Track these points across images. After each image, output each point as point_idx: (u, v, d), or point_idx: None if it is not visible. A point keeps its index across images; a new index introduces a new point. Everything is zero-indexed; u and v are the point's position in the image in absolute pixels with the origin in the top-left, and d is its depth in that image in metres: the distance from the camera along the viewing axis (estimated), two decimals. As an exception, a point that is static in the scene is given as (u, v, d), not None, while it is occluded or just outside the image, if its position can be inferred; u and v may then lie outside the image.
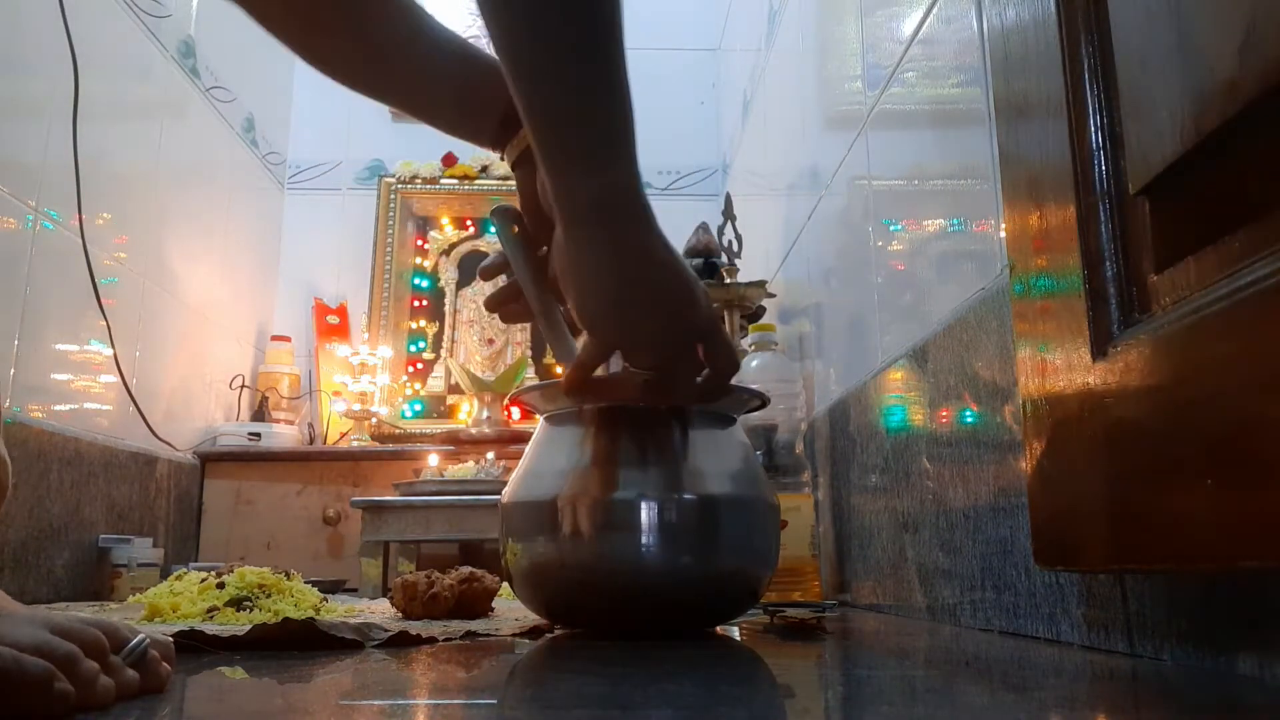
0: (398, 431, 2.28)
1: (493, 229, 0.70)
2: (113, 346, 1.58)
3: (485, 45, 0.66)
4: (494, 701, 0.46)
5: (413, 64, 0.69)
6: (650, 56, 2.69)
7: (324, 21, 0.68)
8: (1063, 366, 0.55)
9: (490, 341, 2.44)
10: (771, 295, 1.47)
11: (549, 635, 0.77)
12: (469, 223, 2.53)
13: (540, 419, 0.82)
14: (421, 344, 2.44)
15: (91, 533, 1.55)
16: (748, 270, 1.58)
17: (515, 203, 0.74)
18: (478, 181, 2.50)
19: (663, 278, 0.61)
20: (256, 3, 0.68)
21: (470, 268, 2.49)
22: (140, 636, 0.43)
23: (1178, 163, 0.45)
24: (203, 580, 0.89)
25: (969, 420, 0.82)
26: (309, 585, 0.92)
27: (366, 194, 2.51)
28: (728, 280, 1.45)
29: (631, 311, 0.62)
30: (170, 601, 0.85)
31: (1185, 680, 0.49)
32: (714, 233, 1.65)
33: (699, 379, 0.65)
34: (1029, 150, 0.60)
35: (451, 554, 1.93)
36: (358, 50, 0.69)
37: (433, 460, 1.96)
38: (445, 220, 2.52)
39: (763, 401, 0.83)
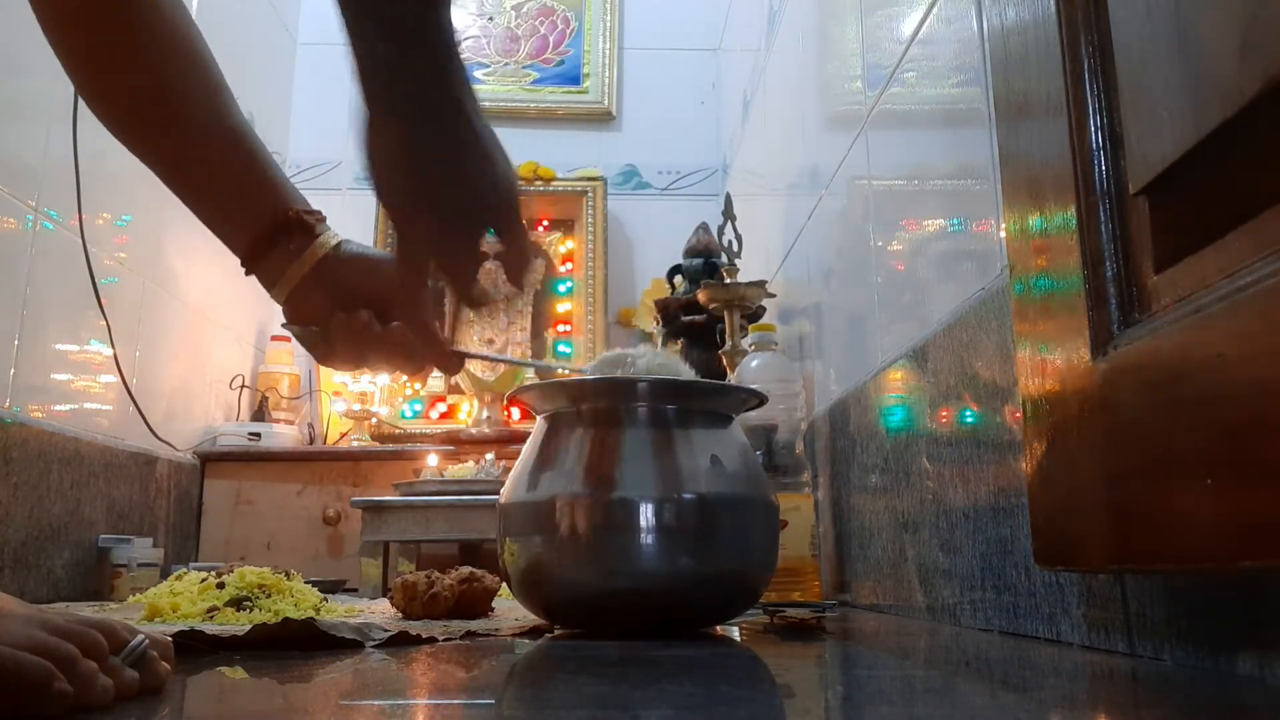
0: (398, 431, 2.28)
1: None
2: (113, 346, 1.58)
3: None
4: (493, 701, 0.46)
5: (205, 140, 0.68)
6: (650, 56, 2.69)
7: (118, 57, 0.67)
8: (1063, 366, 0.55)
9: (490, 342, 2.44)
10: (771, 295, 1.47)
11: (549, 635, 0.77)
12: (469, 223, 2.52)
13: (539, 418, 0.82)
14: (421, 344, 2.43)
15: (91, 533, 1.55)
16: (748, 270, 1.58)
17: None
18: (478, 181, 2.50)
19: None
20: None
21: (470, 268, 2.49)
22: (139, 637, 0.43)
23: (1178, 163, 0.45)
24: (203, 580, 0.89)
25: (969, 420, 0.82)
26: (309, 585, 0.92)
27: (366, 194, 2.50)
28: (728, 280, 1.45)
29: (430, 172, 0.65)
30: (170, 601, 0.85)
31: (1185, 680, 0.49)
32: (714, 233, 1.65)
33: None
34: (1029, 150, 0.60)
35: (451, 554, 1.93)
36: (149, 97, 0.67)
37: (432, 460, 1.96)
38: (445, 220, 2.52)
39: (761, 401, 0.83)
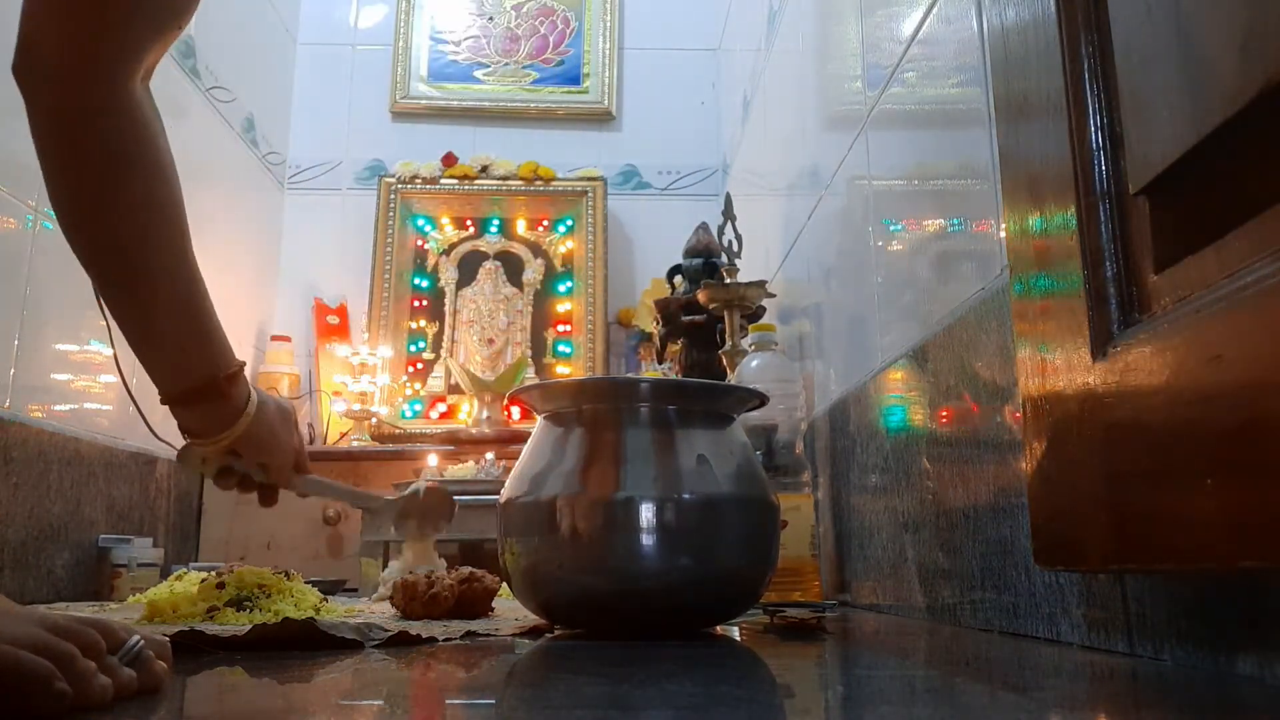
0: (398, 431, 2.28)
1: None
2: (113, 346, 1.57)
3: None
4: (493, 701, 0.46)
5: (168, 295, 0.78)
6: (650, 56, 2.69)
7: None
8: (1063, 366, 0.55)
9: (490, 341, 2.44)
10: (771, 295, 1.47)
11: (549, 635, 0.77)
12: (469, 223, 2.53)
13: (539, 418, 0.82)
14: (421, 344, 2.44)
15: (91, 533, 1.55)
16: (748, 270, 1.58)
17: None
18: (478, 181, 2.50)
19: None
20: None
21: (470, 268, 2.50)
22: (135, 637, 0.43)
23: (1178, 163, 0.45)
24: (203, 580, 0.89)
25: (969, 420, 0.82)
26: (309, 585, 0.92)
27: (366, 194, 2.51)
28: (728, 280, 1.45)
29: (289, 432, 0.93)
30: (170, 601, 0.85)
31: (1185, 680, 0.49)
32: (714, 233, 1.65)
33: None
34: (1029, 150, 0.60)
35: (451, 554, 1.93)
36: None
37: (432, 460, 1.96)
38: (445, 220, 2.52)
39: (761, 401, 0.83)
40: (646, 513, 0.72)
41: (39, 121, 0.68)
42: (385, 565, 1.78)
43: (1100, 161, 0.52)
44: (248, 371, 2.32)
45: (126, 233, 0.71)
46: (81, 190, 0.70)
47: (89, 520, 1.55)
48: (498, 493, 0.82)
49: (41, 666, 0.36)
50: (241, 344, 2.27)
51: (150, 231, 0.72)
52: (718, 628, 0.83)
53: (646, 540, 0.72)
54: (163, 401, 0.82)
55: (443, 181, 2.50)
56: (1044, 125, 0.57)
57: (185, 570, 0.96)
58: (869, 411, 1.14)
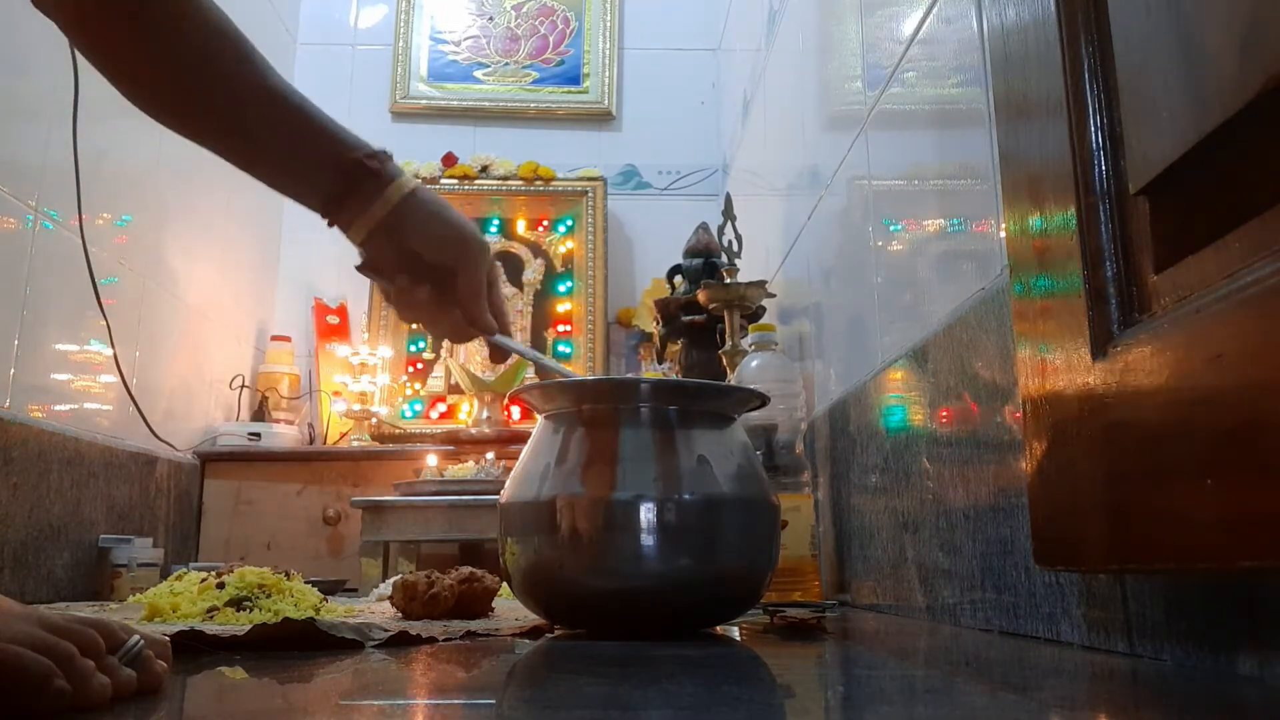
0: (398, 431, 2.28)
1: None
2: (113, 346, 1.58)
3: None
4: (493, 701, 0.46)
5: (253, 106, 0.68)
6: (650, 56, 2.69)
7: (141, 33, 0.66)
8: (1063, 366, 0.55)
9: (490, 341, 2.44)
10: (771, 295, 1.47)
11: (549, 635, 0.77)
12: (469, 223, 2.53)
13: (540, 418, 0.82)
14: (421, 344, 2.44)
15: (91, 533, 1.55)
16: (748, 270, 1.58)
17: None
18: (478, 181, 2.50)
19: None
20: None
21: (470, 268, 2.49)
22: (135, 636, 0.43)
23: (1178, 163, 0.45)
24: (203, 580, 0.89)
25: (969, 420, 0.82)
26: (309, 585, 0.92)
27: (367, 194, 2.51)
28: (728, 280, 1.45)
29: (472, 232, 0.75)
30: (170, 601, 0.85)
31: (1185, 680, 0.49)
32: (714, 233, 1.65)
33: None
34: (1029, 150, 0.60)
35: (451, 554, 1.93)
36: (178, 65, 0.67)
37: (432, 460, 1.96)
38: (445, 220, 2.52)
39: (761, 401, 0.83)
40: (647, 513, 0.72)
41: (82, 26, 0.65)
42: (385, 566, 1.78)
43: (1100, 161, 0.52)
44: (247, 371, 2.32)
45: (198, 84, 0.66)
46: (145, 72, 0.65)
47: (89, 520, 1.55)
48: (498, 493, 0.82)
49: (41, 665, 0.36)
50: (242, 344, 2.27)
51: (219, 70, 0.67)
52: (718, 628, 0.83)
53: (647, 540, 0.72)
54: (324, 216, 0.70)
55: (443, 181, 2.49)
56: (1044, 125, 0.57)
57: (185, 570, 0.96)
58: (869, 411, 1.14)
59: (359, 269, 0.74)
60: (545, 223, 2.53)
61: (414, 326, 2.44)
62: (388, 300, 0.74)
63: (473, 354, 2.43)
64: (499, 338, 0.75)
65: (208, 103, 0.67)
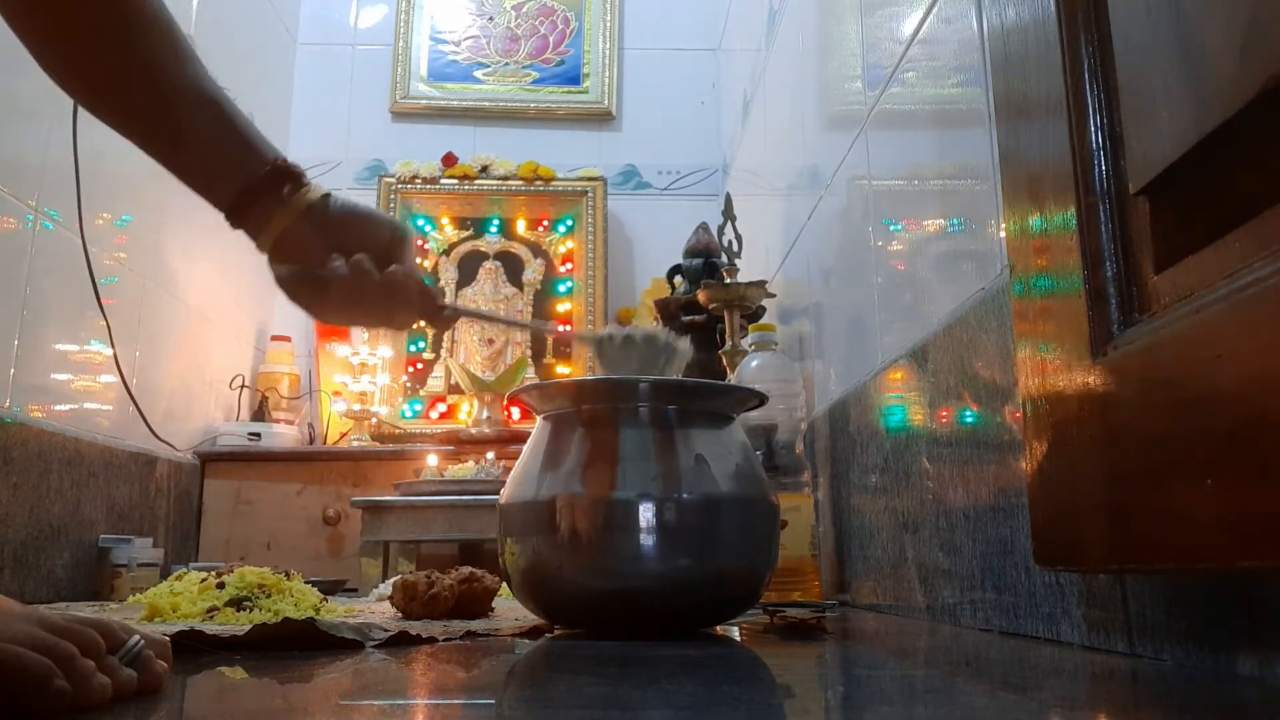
0: (398, 431, 2.28)
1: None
2: (113, 346, 1.58)
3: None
4: (493, 701, 0.46)
5: (174, 99, 0.68)
6: (650, 56, 2.69)
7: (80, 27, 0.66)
8: (1063, 366, 0.55)
9: (490, 341, 2.44)
10: (771, 295, 1.47)
11: (548, 635, 0.77)
12: (469, 223, 2.53)
13: (539, 418, 0.82)
14: (421, 344, 2.44)
15: (91, 533, 1.55)
16: (748, 270, 1.58)
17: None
18: (478, 181, 2.50)
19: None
20: None
21: (470, 268, 2.50)
22: (135, 636, 0.43)
23: (1178, 163, 0.45)
24: (203, 580, 0.89)
25: (969, 420, 0.82)
26: (309, 585, 0.92)
27: (366, 194, 2.51)
28: (728, 280, 1.45)
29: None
30: (170, 601, 0.85)
31: (1185, 680, 0.49)
32: (714, 233, 1.65)
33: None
34: (1029, 150, 0.60)
35: (451, 554, 1.93)
36: (119, 65, 0.66)
37: (432, 460, 1.96)
38: (445, 220, 2.52)
39: (761, 401, 0.83)
40: (646, 513, 0.72)
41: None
42: (385, 566, 1.78)
43: (1100, 161, 0.52)
44: (247, 371, 2.32)
45: (110, 53, 0.65)
46: (55, 32, 0.64)
47: (89, 520, 1.55)
48: (498, 493, 0.82)
49: (41, 665, 0.36)
50: (242, 344, 2.27)
51: (136, 44, 0.66)
52: (718, 628, 0.83)
53: (646, 540, 0.72)
54: (228, 217, 0.69)
55: (443, 181, 2.50)
56: (1044, 125, 0.57)
57: (185, 570, 0.96)
58: (869, 411, 1.14)
59: (281, 280, 0.70)
60: (545, 223, 2.53)
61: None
62: (309, 301, 0.70)
63: (472, 354, 2.43)
64: (459, 305, 0.71)
65: (140, 98, 0.67)
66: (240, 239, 0.73)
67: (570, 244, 2.50)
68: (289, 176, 0.69)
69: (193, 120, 0.68)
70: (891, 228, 1.08)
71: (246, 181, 0.68)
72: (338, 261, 0.67)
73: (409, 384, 2.39)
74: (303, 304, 0.69)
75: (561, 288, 2.48)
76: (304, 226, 0.68)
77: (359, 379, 2.23)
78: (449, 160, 2.52)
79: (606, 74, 2.64)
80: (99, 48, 0.65)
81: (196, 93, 0.68)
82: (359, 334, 2.40)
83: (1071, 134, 0.54)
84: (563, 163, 2.54)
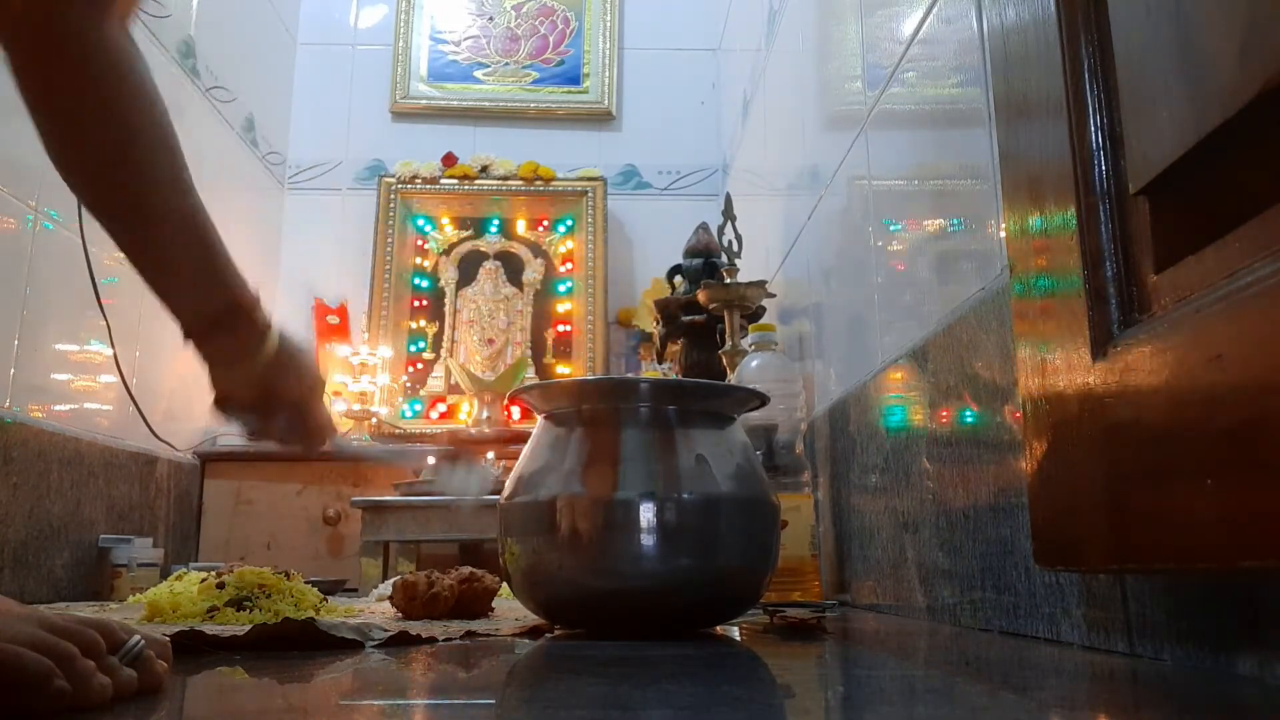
0: (398, 431, 2.28)
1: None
2: (113, 346, 1.57)
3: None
4: (493, 701, 0.46)
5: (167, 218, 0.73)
6: (650, 56, 2.69)
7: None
8: (1063, 366, 0.55)
9: (490, 341, 2.44)
10: (771, 295, 1.47)
11: (549, 635, 0.77)
12: (469, 223, 2.53)
13: (540, 418, 0.82)
14: (421, 344, 2.44)
15: (91, 533, 1.55)
16: (748, 270, 1.58)
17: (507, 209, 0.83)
18: (478, 181, 2.50)
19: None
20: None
21: (470, 268, 2.50)
22: (135, 637, 0.43)
23: (1178, 163, 0.45)
24: (203, 580, 0.89)
25: (969, 420, 0.82)
26: (309, 585, 0.92)
27: (366, 194, 2.51)
28: (728, 280, 1.45)
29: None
30: (170, 601, 0.85)
31: (1185, 680, 0.49)
32: (714, 233, 1.65)
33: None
34: (1029, 150, 0.60)
35: (451, 554, 1.93)
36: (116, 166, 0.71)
37: (432, 460, 1.96)
38: (445, 220, 2.53)
39: (761, 401, 0.83)
40: (646, 513, 0.72)
41: (15, 67, 0.68)
42: (385, 566, 1.78)
43: (1100, 161, 0.52)
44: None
45: (114, 166, 0.71)
46: (64, 129, 0.71)
47: (89, 520, 1.55)
48: (498, 493, 0.82)
49: (42, 665, 0.36)
50: (241, 344, 2.26)
51: (146, 163, 0.71)
52: (718, 628, 0.83)
53: (646, 540, 0.72)
54: (186, 336, 0.77)
55: (443, 181, 2.50)
56: (1044, 125, 0.57)
57: (185, 570, 0.96)
58: (869, 411, 1.14)
59: (218, 405, 0.80)
60: (545, 223, 2.53)
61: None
62: (235, 421, 0.82)
63: (472, 354, 2.43)
64: (339, 442, 0.88)
65: (133, 207, 0.72)
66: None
67: (570, 244, 2.50)
68: (249, 320, 0.77)
69: (175, 247, 0.74)
70: (891, 228, 1.08)
71: (212, 312, 0.75)
72: (259, 420, 0.81)
73: (409, 384, 2.39)
74: (234, 426, 0.83)
75: (561, 288, 2.48)
76: (253, 378, 0.79)
77: (359, 379, 2.23)
78: (449, 160, 2.52)
79: (606, 74, 2.64)
80: (103, 161, 0.70)
81: (183, 212, 0.73)
82: (359, 334, 2.40)
83: (1071, 134, 0.54)
84: (563, 163, 2.54)
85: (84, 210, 0.73)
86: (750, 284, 1.42)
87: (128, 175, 0.71)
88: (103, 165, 0.71)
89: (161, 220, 0.72)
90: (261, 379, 0.79)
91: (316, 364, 0.85)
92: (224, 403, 0.81)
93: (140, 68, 0.71)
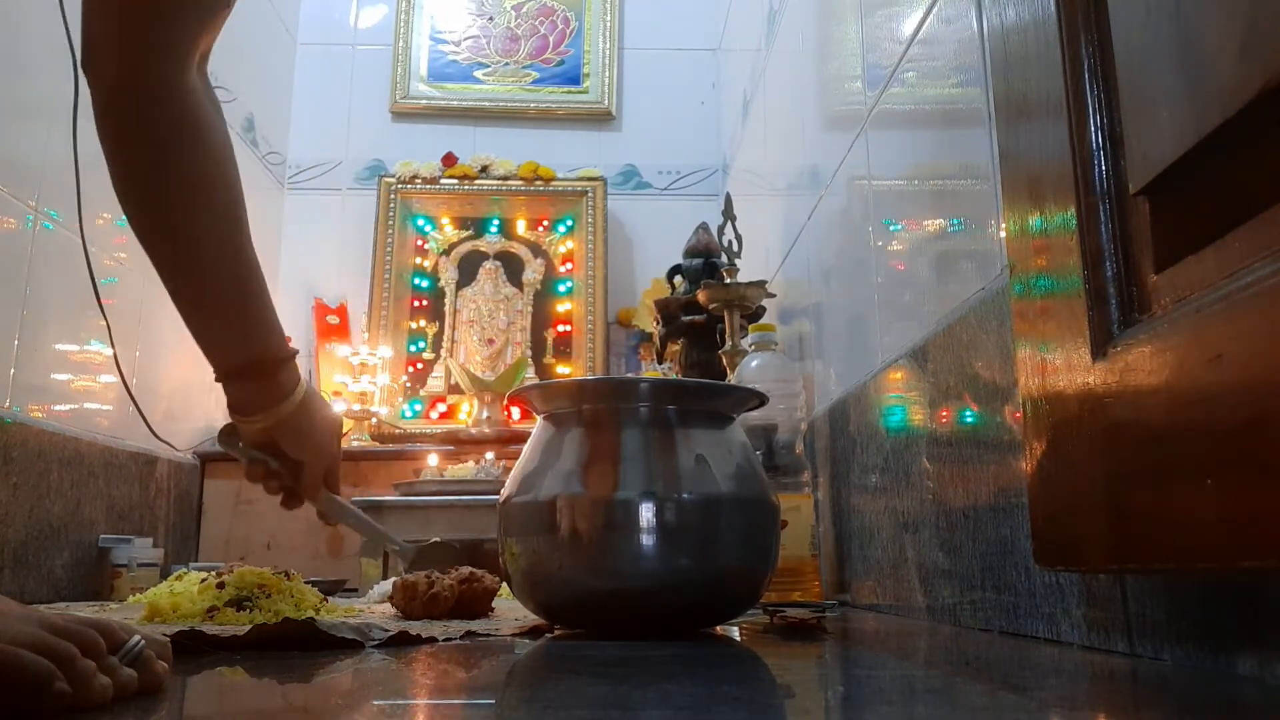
0: (398, 431, 2.28)
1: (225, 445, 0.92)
2: (113, 346, 1.57)
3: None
4: (493, 701, 0.46)
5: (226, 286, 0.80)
6: (650, 56, 2.69)
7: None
8: (1063, 366, 0.55)
9: (490, 341, 2.44)
10: (771, 295, 1.47)
11: (549, 635, 0.77)
12: (469, 223, 2.53)
13: (539, 418, 0.82)
14: (421, 344, 2.44)
15: (91, 533, 1.55)
16: (748, 270, 1.58)
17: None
18: (478, 181, 2.50)
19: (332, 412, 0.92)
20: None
21: (470, 268, 2.50)
22: (136, 637, 0.43)
23: (1178, 163, 0.45)
24: (203, 580, 0.89)
25: (969, 420, 0.82)
26: (309, 585, 0.92)
27: (366, 194, 2.51)
28: (728, 280, 1.45)
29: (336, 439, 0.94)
30: (170, 601, 0.85)
31: (1185, 680, 0.49)
32: (714, 233, 1.65)
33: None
34: (1029, 150, 0.60)
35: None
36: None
37: (432, 460, 1.96)
38: (445, 220, 2.53)
39: (761, 401, 0.83)
40: (646, 513, 0.72)
41: (101, 112, 0.71)
42: (385, 566, 1.78)
43: (1100, 161, 0.52)
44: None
45: (179, 213, 0.75)
46: (136, 173, 0.74)
47: (89, 520, 1.55)
48: (498, 493, 0.82)
49: (42, 666, 0.36)
50: (241, 344, 2.27)
51: (200, 213, 0.75)
52: (718, 628, 0.83)
53: (646, 540, 0.72)
54: (216, 378, 0.82)
55: (443, 181, 2.50)
56: (1044, 125, 0.57)
57: (185, 570, 0.96)
58: (869, 411, 1.14)
59: (227, 435, 0.88)
60: (545, 223, 2.53)
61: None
62: (240, 458, 0.89)
63: (472, 354, 2.43)
64: (332, 501, 0.94)
65: (194, 263, 0.76)
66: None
67: (570, 244, 2.50)
68: (285, 371, 0.83)
69: (219, 298, 0.78)
70: (891, 228, 1.08)
71: (249, 360, 0.80)
72: (269, 464, 0.88)
73: (409, 384, 2.39)
74: (231, 453, 0.89)
75: (561, 288, 2.48)
76: (273, 425, 0.85)
77: (359, 379, 2.23)
78: (449, 160, 2.52)
79: (606, 74, 2.64)
80: (169, 206, 0.74)
81: (233, 276, 0.78)
82: (359, 334, 2.40)
83: (1071, 134, 0.54)
84: (563, 163, 2.54)
85: (138, 245, 0.76)
86: (750, 284, 1.42)
87: (187, 222, 0.74)
88: (164, 206, 0.74)
89: (212, 274, 0.76)
90: (276, 429, 0.84)
91: (337, 429, 0.91)
92: (233, 436, 0.86)
93: (214, 114, 0.75)
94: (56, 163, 1.42)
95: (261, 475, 0.89)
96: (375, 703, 0.45)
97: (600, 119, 2.63)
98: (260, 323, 0.80)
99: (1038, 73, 0.58)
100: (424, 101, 2.61)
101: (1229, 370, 0.40)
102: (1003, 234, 0.73)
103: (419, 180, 2.49)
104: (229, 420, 0.88)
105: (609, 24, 2.68)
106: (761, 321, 1.40)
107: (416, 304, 2.46)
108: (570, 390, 0.82)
